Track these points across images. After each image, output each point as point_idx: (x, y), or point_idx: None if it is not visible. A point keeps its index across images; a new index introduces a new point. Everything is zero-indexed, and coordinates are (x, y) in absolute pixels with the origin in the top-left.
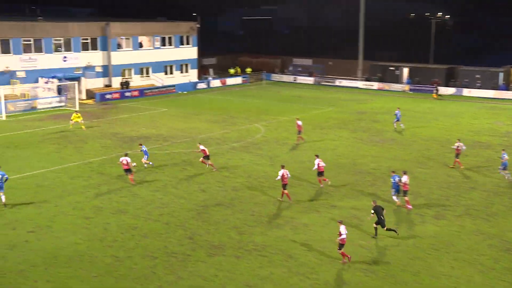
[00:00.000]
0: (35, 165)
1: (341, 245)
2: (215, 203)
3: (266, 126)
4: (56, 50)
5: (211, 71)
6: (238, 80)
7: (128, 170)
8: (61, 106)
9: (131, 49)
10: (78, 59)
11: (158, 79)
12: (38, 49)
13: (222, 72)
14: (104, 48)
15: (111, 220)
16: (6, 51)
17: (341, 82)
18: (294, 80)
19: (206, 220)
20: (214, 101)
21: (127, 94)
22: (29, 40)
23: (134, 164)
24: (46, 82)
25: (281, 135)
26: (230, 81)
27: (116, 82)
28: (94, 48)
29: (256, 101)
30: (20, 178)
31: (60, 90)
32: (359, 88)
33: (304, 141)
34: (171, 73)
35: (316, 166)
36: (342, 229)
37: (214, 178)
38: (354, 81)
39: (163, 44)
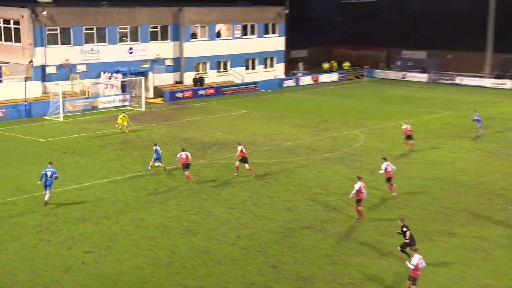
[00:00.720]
0: (94, 175)
1: (413, 279)
2: (303, 225)
3: (367, 133)
4: (121, 41)
5: (300, 65)
6: (333, 77)
7: (186, 166)
8: (124, 106)
9: (206, 39)
10: (145, 50)
11: (238, 75)
12: (101, 39)
13: (314, 67)
14: (176, 38)
15: (179, 242)
16: (66, 41)
17: (462, 80)
18: (403, 78)
19: (293, 246)
20: (304, 101)
21: (201, 92)
22: (92, 29)
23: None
24: (109, 78)
25: (384, 144)
26: (323, 78)
27: (189, 78)
28: (164, 38)
29: (355, 102)
30: (78, 189)
31: (124, 87)
32: (486, 87)
33: (414, 149)
34: (253, 68)
35: (382, 170)
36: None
37: (302, 195)
38: (479, 79)
39: (245, 33)
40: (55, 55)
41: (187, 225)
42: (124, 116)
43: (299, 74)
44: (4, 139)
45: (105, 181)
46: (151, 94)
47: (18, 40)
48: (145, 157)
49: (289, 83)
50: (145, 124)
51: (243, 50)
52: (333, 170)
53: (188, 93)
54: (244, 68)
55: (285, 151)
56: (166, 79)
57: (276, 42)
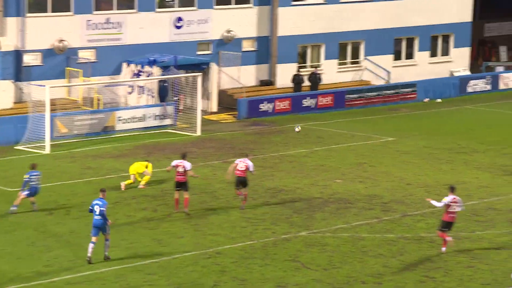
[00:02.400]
0: (101, 255)
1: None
2: None
3: None
4: (163, 5)
5: (503, 52)
6: None
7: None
8: (164, 127)
9: (321, 0)
10: (206, 23)
11: (379, 70)
12: (124, 3)
13: None
14: (264, 0)
15: None
16: (60, 6)
17: None
18: None
19: None
20: (508, 122)
21: (308, 102)
22: None
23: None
24: (138, 74)
25: None
26: None
27: (286, 75)
28: (242, 0)
29: None
30: (70, 282)
31: (164, 92)
32: None
33: None
34: (410, 56)
35: (441, 204)
36: None
37: None
38: None
39: None
40: (40, 32)
41: None
42: (146, 165)
43: (500, 69)
44: None
45: (120, 268)
46: (213, 105)
47: None
48: (198, 224)
49: (479, 85)
50: (201, 161)
51: (391, 23)
52: None
53: (284, 104)
54: (391, 56)
55: (465, 216)
56: (242, 77)
57: (457, 6)
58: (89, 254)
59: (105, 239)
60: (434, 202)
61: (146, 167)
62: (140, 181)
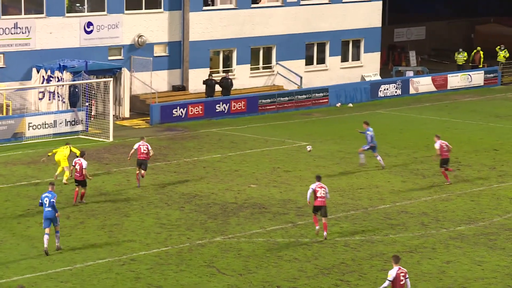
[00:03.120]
0: (15, 270)
1: None
2: None
3: None
4: (72, 10)
5: (412, 57)
6: (476, 78)
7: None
8: (76, 132)
9: (232, 6)
10: (117, 28)
11: (291, 75)
12: (33, 8)
13: (438, 60)
14: (175, 4)
15: None
16: None
17: None
18: None
19: None
20: (417, 126)
21: (221, 107)
22: None
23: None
24: (48, 80)
25: None
26: (455, 80)
27: (197, 80)
28: (153, 4)
29: None
30: None
31: (75, 97)
32: None
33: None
34: (321, 61)
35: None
36: None
37: None
38: None
39: None
40: None
41: None
42: (66, 149)
43: (409, 73)
44: None
45: (32, 276)
46: (126, 110)
47: None
48: (113, 231)
49: (390, 90)
50: (114, 167)
51: (303, 28)
52: (475, 261)
53: (196, 109)
54: (303, 61)
55: (379, 220)
56: (154, 82)
57: (366, 12)
58: (45, 245)
59: (56, 231)
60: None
61: (70, 150)
62: (65, 173)
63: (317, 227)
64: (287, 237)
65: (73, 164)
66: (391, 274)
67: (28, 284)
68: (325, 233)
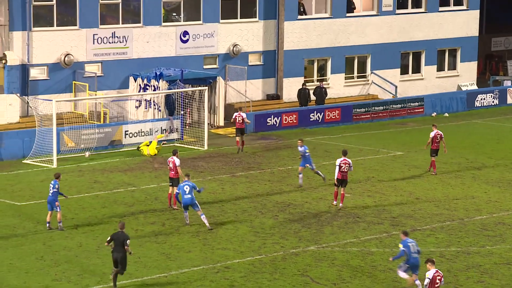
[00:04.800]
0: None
1: None
2: None
3: None
4: (168, 19)
5: (510, 66)
6: None
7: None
8: (171, 141)
9: (327, 15)
10: (212, 37)
11: (386, 84)
12: (131, 16)
13: None
14: (270, 13)
15: None
16: (66, 20)
17: None
18: None
19: None
20: None
21: (315, 116)
22: None
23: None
24: (144, 88)
25: None
26: None
27: (292, 89)
28: (248, 13)
29: None
30: None
31: (170, 106)
32: None
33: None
34: (416, 70)
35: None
36: None
37: None
38: None
39: (402, 5)
40: (46, 46)
41: None
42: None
43: (508, 83)
44: None
45: (128, 282)
46: (220, 119)
47: None
48: (207, 239)
49: (487, 99)
50: (209, 175)
51: (398, 37)
52: None
53: (291, 118)
54: (398, 70)
55: (475, 231)
56: (249, 91)
57: (463, 21)
58: (187, 221)
59: (200, 214)
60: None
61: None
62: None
63: (335, 202)
64: (381, 247)
65: (167, 162)
66: (429, 275)
67: None
68: (341, 204)
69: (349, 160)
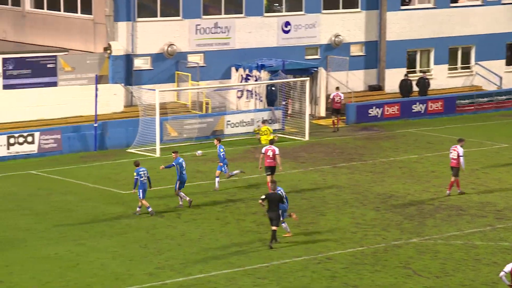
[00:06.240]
0: (189, 257)
1: None
2: None
3: None
4: (270, 10)
5: None
6: None
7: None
8: (274, 131)
9: (430, 5)
10: (315, 28)
11: (491, 76)
12: (232, 8)
13: None
14: (372, 4)
15: None
16: (169, 11)
17: None
18: None
19: None
20: None
21: (417, 107)
22: None
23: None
24: (246, 79)
25: None
26: None
27: (393, 80)
28: (350, 3)
29: None
30: None
31: (272, 96)
32: None
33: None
34: None
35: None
36: None
37: None
38: None
39: None
40: (149, 36)
41: None
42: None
43: None
44: (58, 189)
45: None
46: (322, 109)
47: (86, 9)
48: (308, 229)
49: None
50: (310, 166)
51: (503, 27)
52: None
53: (393, 109)
54: (503, 61)
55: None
56: (350, 82)
57: None
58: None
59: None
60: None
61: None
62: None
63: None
64: (485, 241)
65: (263, 151)
66: (508, 267)
67: (225, 279)
68: (459, 190)
69: (460, 149)
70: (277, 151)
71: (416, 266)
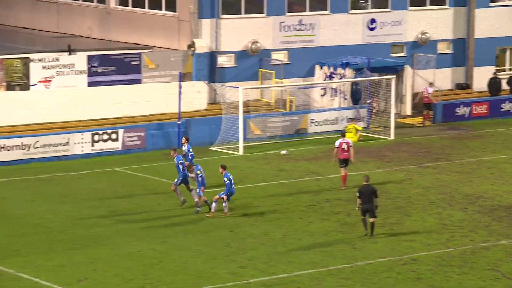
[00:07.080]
0: (296, 259)
1: None
2: None
3: None
4: (356, 7)
5: None
6: None
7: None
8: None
9: None
10: (400, 25)
11: None
12: (317, 5)
13: None
14: (460, 1)
15: None
16: (253, 8)
17: None
18: None
19: None
20: None
21: (506, 106)
22: None
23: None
24: (330, 76)
25: None
26: None
27: (482, 78)
28: (437, 1)
29: None
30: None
31: (357, 94)
32: None
33: None
34: None
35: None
36: None
37: None
38: None
39: None
40: (233, 33)
41: None
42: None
43: None
44: (141, 186)
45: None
46: (407, 108)
47: (171, 6)
48: (393, 230)
49: None
50: (395, 165)
51: None
52: None
53: (481, 108)
54: None
55: None
56: (437, 80)
57: None
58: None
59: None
60: None
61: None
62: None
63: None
64: None
65: (337, 145)
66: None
67: (309, 279)
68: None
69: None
70: (350, 143)
71: (505, 269)
